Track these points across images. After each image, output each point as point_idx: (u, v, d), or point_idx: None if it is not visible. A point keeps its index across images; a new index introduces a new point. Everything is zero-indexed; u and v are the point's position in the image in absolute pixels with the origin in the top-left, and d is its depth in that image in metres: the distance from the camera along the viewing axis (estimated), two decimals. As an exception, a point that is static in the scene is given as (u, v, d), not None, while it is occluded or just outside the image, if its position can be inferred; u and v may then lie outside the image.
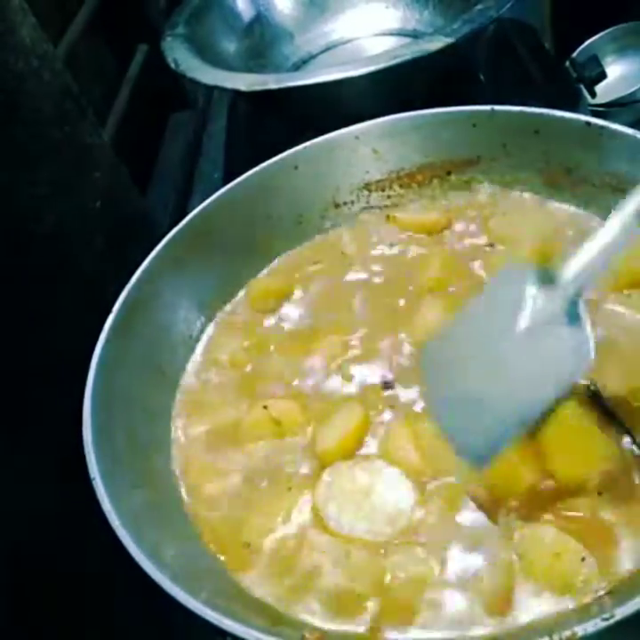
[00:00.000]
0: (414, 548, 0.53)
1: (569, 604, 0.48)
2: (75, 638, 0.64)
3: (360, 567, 0.52)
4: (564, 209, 0.73)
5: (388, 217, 0.78)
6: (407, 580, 0.51)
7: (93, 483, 0.54)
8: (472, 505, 0.53)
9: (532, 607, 0.48)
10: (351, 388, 0.64)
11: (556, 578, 0.49)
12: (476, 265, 0.71)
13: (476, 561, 0.51)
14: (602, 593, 0.47)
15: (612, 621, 0.42)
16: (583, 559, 0.49)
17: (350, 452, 0.58)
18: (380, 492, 0.56)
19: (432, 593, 0.51)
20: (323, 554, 0.54)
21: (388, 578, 0.52)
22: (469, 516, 0.53)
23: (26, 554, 0.60)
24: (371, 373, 0.64)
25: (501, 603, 0.49)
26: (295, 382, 0.66)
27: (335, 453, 0.58)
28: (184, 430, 0.66)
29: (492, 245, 0.72)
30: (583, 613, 0.46)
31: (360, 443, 0.59)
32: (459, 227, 0.75)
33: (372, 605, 0.51)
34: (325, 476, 0.57)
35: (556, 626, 0.44)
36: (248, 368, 0.69)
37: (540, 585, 0.49)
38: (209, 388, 0.69)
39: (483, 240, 0.73)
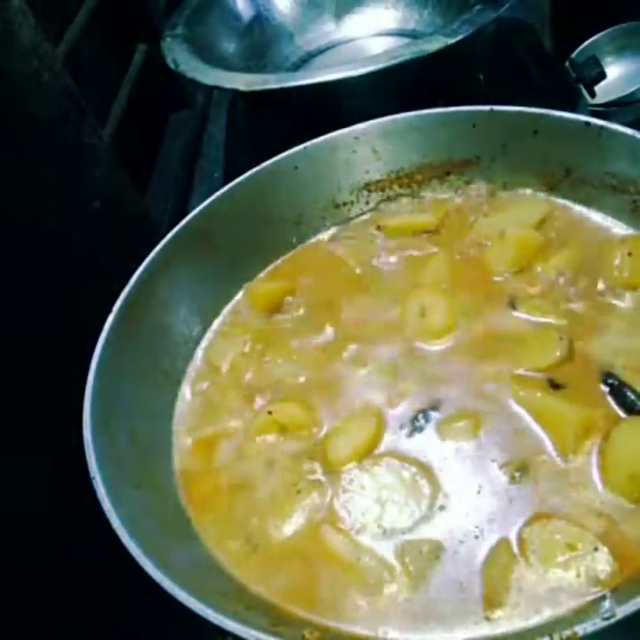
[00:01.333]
0: (424, 545, 0.53)
1: (584, 595, 0.48)
2: (75, 638, 0.64)
3: (369, 568, 0.53)
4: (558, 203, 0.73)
5: (378, 226, 0.78)
6: (412, 580, 0.52)
7: (93, 482, 0.54)
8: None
9: (542, 600, 0.48)
10: (356, 391, 0.64)
11: (571, 568, 0.49)
12: (472, 262, 0.71)
13: (480, 552, 0.52)
14: (618, 583, 0.47)
15: (612, 621, 0.42)
16: (596, 549, 0.49)
17: (364, 457, 0.59)
18: (397, 491, 0.56)
19: (435, 593, 0.51)
20: (332, 555, 0.54)
21: (394, 579, 0.52)
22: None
23: (26, 553, 0.60)
24: (374, 374, 0.64)
25: (500, 594, 0.49)
26: (298, 386, 0.66)
27: (349, 461, 0.58)
28: (187, 434, 0.66)
29: (480, 244, 0.72)
30: (583, 613, 0.46)
31: (373, 448, 0.59)
32: (455, 226, 0.75)
33: (377, 606, 0.51)
34: (343, 479, 0.57)
35: (557, 624, 0.44)
36: (250, 372, 0.69)
37: (554, 576, 0.49)
38: (211, 392, 0.68)
39: (475, 239, 0.73)
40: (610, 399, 0.57)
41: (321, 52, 1.18)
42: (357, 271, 0.75)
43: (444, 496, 0.55)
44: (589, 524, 0.50)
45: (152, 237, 0.72)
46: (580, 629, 0.42)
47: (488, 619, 0.49)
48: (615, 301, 0.64)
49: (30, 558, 0.61)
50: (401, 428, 0.60)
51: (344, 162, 0.78)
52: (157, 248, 0.70)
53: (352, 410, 0.62)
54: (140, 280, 0.68)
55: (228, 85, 0.95)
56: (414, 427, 0.59)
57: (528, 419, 0.57)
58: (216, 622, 0.46)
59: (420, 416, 0.60)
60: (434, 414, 0.60)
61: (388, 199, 0.80)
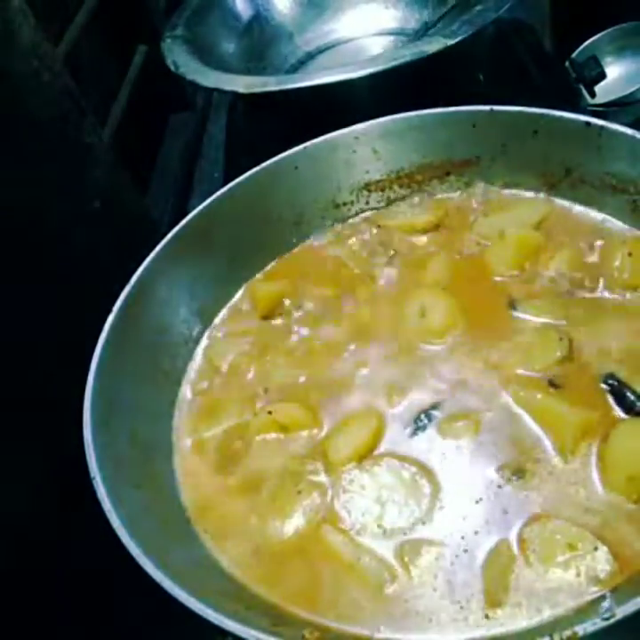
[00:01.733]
0: (424, 545, 0.53)
1: (584, 594, 0.48)
2: (75, 638, 0.64)
3: (369, 568, 0.53)
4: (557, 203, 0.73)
5: (378, 226, 0.78)
6: (412, 580, 0.52)
7: (93, 482, 0.54)
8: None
9: (542, 600, 0.48)
10: (356, 391, 0.64)
11: (571, 568, 0.49)
12: (472, 262, 0.71)
13: (480, 552, 0.52)
14: (618, 582, 0.47)
15: (612, 621, 0.42)
16: (596, 548, 0.49)
17: (364, 457, 0.59)
18: (397, 491, 0.56)
19: (436, 593, 0.51)
20: (333, 555, 0.54)
21: (394, 579, 0.52)
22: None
23: (26, 553, 0.60)
24: (374, 374, 0.64)
25: (500, 594, 0.49)
26: (298, 386, 0.66)
27: (350, 461, 0.58)
28: (187, 434, 0.66)
29: (480, 244, 0.72)
30: (583, 613, 0.46)
31: (373, 449, 0.59)
32: (455, 226, 0.75)
33: (377, 606, 0.51)
34: (343, 479, 0.57)
35: (557, 624, 0.44)
36: (250, 372, 0.69)
37: (554, 575, 0.49)
38: (211, 392, 0.68)
39: (474, 239, 0.73)
40: (610, 399, 0.57)
41: (320, 51, 1.18)
42: (357, 271, 0.75)
43: (444, 496, 0.55)
44: (589, 524, 0.51)
45: (152, 237, 0.72)
46: (580, 629, 0.42)
47: (488, 618, 0.49)
48: (615, 301, 0.64)
49: (30, 558, 0.61)
50: (404, 427, 0.60)
51: (344, 162, 0.78)
52: (157, 248, 0.70)
53: (352, 410, 0.62)
54: (139, 280, 0.68)
55: (227, 88, 0.95)
56: (417, 426, 0.59)
57: (528, 419, 0.57)
58: (216, 622, 0.46)
59: (423, 416, 0.60)
60: (435, 414, 0.60)
61: (388, 199, 0.80)
